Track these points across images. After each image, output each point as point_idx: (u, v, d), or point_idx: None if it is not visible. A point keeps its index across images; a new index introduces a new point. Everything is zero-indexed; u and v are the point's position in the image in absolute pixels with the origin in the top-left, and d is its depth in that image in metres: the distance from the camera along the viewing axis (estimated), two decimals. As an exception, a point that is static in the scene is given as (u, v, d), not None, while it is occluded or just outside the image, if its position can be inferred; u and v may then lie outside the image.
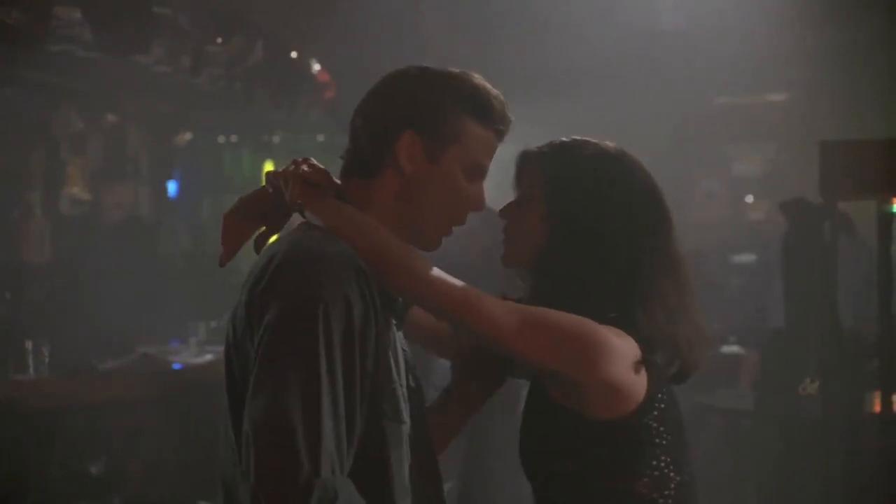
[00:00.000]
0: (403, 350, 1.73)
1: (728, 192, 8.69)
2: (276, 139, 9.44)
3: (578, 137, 1.88)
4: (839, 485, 4.02)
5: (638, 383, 1.73)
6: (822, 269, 4.08)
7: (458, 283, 1.67)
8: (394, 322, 1.70)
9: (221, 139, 9.29)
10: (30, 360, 4.86)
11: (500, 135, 1.77)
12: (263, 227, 1.76)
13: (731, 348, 5.23)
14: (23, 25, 4.09)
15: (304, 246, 1.59)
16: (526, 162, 1.90)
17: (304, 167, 1.73)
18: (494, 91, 1.77)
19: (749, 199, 8.72)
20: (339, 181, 1.76)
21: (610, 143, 1.87)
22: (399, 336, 1.73)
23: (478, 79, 1.77)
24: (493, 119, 1.75)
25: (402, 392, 1.63)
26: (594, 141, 1.87)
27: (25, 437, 4.44)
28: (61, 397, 4.69)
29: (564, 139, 1.88)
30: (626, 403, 1.73)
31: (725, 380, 5.06)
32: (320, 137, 8.60)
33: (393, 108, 1.72)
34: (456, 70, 1.77)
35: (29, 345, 4.89)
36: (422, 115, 1.71)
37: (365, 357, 1.54)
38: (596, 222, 1.80)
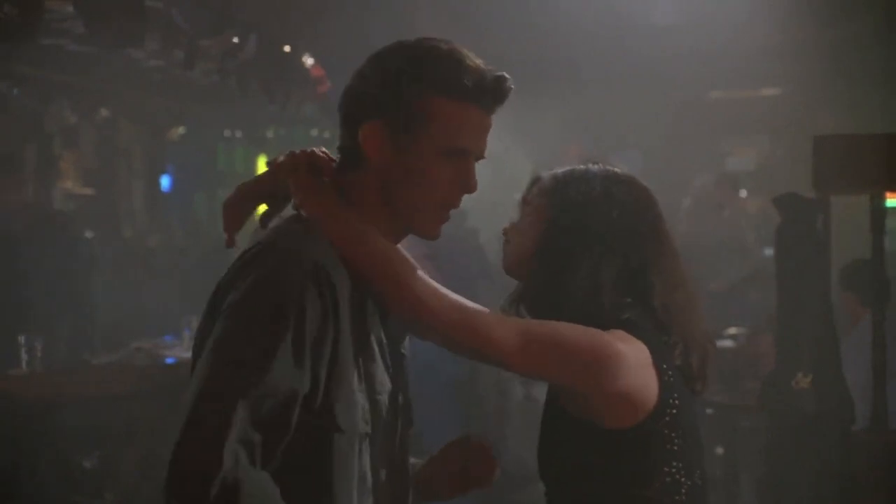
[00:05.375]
0: (386, 340, 1.63)
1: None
2: (269, 133, 9.43)
3: (589, 166, 1.89)
4: (832, 477, 4.03)
5: (648, 389, 1.73)
6: (815, 264, 4.09)
7: (459, 303, 1.61)
8: (377, 312, 1.60)
9: (215, 133, 9.29)
10: (23, 355, 4.86)
11: (486, 107, 1.60)
12: (265, 207, 1.70)
13: (724, 342, 5.23)
14: (15, 19, 4.07)
15: (271, 246, 1.53)
16: (537, 185, 1.91)
17: (305, 163, 1.63)
18: (471, 61, 1.59)
19: (743, 193, 8.73)
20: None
21: (619, 170, 1.89)
22: (385, 326, 1.63)
23: (448, 49, 1.58)
24: (468, 92, 1.57)
25: (362, 399, 1.54)
26: (605, 168, 1.88)
27: (18, 431, 4.43)
28: (54, 391, 4.69)
29: (573, 167, 1.89)
30: (638, 412, 1.73)
31: (719, 374, 5.06)
32: (314, 132, 8.60)
33: (357, 97, 1.60)
34: (426, 42, 1.60)
35: (22, 339, 4.88)
36: (383, 102, 1.57)
37: (318, 363, 1.47)
38: (601, 245, 1.81)
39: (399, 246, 1.65)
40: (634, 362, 1.71)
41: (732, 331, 5.39)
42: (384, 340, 1.61)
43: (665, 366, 1.76)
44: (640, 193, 1.87)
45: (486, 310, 1.65)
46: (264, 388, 1.41)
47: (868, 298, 4.19)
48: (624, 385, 1.70)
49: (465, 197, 1.70)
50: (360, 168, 1.60)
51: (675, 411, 1.75)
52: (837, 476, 4.02)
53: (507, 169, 7.74)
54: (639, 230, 1.83)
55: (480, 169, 1.65)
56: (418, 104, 1.56)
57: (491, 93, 1.59)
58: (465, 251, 5.90)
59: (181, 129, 9.03)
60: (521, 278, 1.89)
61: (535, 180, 1.92)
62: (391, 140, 1.57)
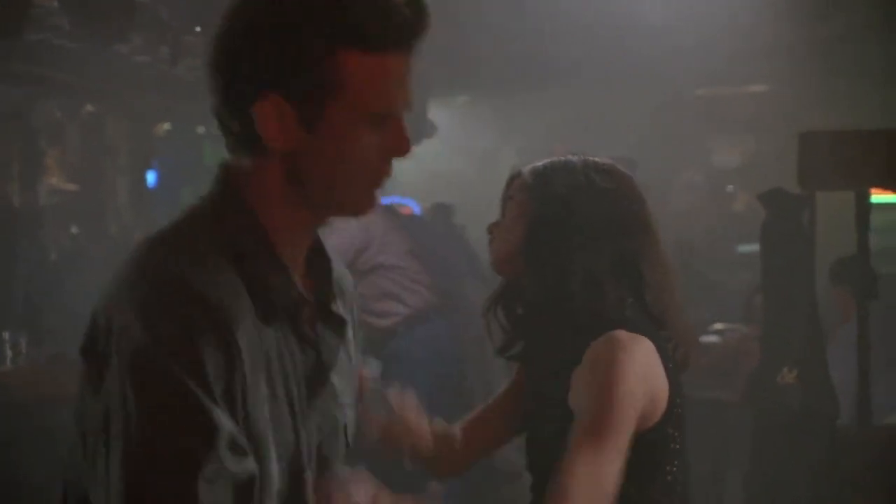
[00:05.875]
0: (306, 373, 1.33)
1: (709, 182, 8.73)
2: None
3: (569, 157, 1.85)
4: (818, 472, 4.05)
5: (663, 391, 1.71)
6: (800, 259, 4.10)
7: None
8: (291, 343, 1.31)
9: (201, 129, 9.26)
10: (7, 351, 4.84)
11: (408, 48, 1.26)
12: None
13: (710, 338, 5.25)
14: None
15: (153, 273, 1.21)
16: (518, 179, 1.87)
17: None
18: None
19: (729, 189, 8.76)
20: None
21: (599, 159, 1.85)
22: (305, 355, 1.33)
23: None
24: (388, 39, 1.23)
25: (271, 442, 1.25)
26: (585, 158, 1.85)
27: (2, 427, 4.42)
28: (39, 387, 4.67)
29: (552, 159, 1.86)
30: (655, 415, 1.71)
31: (706, 370, 5.07)
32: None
33: (240, 64, 1.23)
34: None
35: (6, 336, 4.87)
36: (280, 68, 1.20)
37: (233, 407, 1.19)
38: (589, 238, 1.77)
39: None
40: (650, 371, 1.69)
41: (719, 326, 5.40)
42: (296, 378, 1.31)
43: (670, 364, 1.74)
44: (624, 182, 1.83)
45: None
46: (212, 464, 1.15)
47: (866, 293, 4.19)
48: (648, 400, 1.68)
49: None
50: (258, 155, 1.27)
51: (680, 410, 1.74)
52: (823, 470, 4.04)
53: (496, 165, 7.74)
54: (626, 220, 1.79)
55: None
56: (328, 65, 1.20)
57: (413, 29, 1.25)
58: (454, 249, 5.88)
59: (167, 125, 9.01)
60: (510, 276, 1.87)
61: (515, 175, 1.89)
62: (296, 116, 1.22)
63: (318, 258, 1.40)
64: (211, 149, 9.43)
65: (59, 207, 7.72)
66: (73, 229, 7.76)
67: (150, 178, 8.91)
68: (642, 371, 1.68)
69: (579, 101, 7.89)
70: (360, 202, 1.30)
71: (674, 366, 1.76)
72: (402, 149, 1.27)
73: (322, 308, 1.37)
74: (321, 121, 1.23)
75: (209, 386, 1.16)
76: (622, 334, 1.69)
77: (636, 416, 1.66)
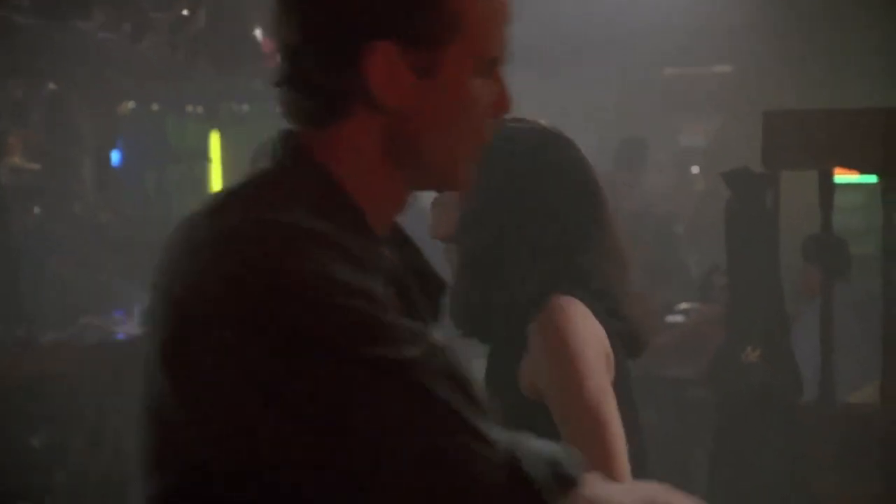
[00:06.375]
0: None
1: (674, 162, 8.75)
2: (222, 108, 9.34)
3: (514, 117, 1.74)
4: (782, 450, 4.09)
5: (609, 347, 1.65)
6: (765, 238, 4.13)
7: None
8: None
9: (165, 108, 9.18)
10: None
11: None
12: None
13: (675, 318, 5.27)
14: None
15: (256, 233, 1.00)
16: None
17: None
18: None
19: (695, 169, 8.78)
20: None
21: (543, 122, 1.77)
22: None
23: None
24: None
25: None
26: (528, 120, 1.77)
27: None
28: (2, 371, 4.63)
29: (509, 125, 1.73)
30: (611, 372, 1.66)
31: (670, 349, 5.10)
32: (266, 106, 8.51)
33: (345, 10, 1.05)
34: None
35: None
36: (392, 11, 1.04)
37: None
38: (530, 201, 1.69)
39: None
40: (591, 323, 1.62)
41: (684, 305, 5.43)
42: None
43: (608, 326, 1.66)
44: (574, 154, 1.74)
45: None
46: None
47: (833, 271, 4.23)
48: (605, 351, 1.63)
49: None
50: (345, 118, 1.08)
51: (627, 382, 1.68)
52: (786, 448, 4.08)
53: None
54: (574, 196, 1.70)
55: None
56: (449, 2, 1.06)
57: None
58: (421, 229, 5.85)
59: (131, 104, 8.92)
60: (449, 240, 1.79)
61: None
62: (409, 67, 1.06)
63: (399, 240, 1.21)
64: (176, 128, 9.36)
65: (22, 187, 7.63)
66: (36, 209, 7.67)
67: (115, 157, 8.82)
68: (585, 322, 1.62)
69: (547, 80, 7.87)
70: (460, 172, 1.13)
71: (614, 330, 1.68)
72: (505, 105, 1.14)
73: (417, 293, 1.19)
74: (436, 68, 1.06)
75: (387, 308, 1.00)
76: (556, 300, 1.61)
77: (606, 360, 1.61)
